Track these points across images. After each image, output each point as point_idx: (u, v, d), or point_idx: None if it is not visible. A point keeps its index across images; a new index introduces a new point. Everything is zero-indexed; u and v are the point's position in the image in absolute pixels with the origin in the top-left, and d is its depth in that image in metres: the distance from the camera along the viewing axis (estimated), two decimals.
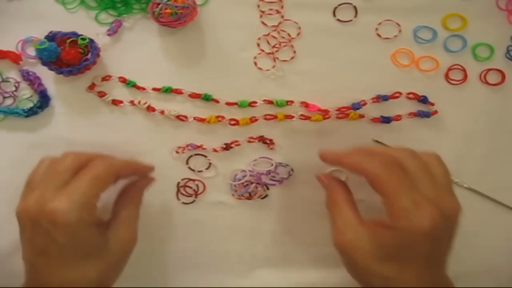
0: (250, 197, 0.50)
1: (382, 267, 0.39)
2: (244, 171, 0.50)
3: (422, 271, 0.39)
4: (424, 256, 0.39)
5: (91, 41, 0.47)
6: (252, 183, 0.50)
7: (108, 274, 0.41)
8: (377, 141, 0.50)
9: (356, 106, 0.50)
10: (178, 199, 0.51)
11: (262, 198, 0.51)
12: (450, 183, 0.42)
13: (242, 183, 0.50)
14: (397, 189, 0.39)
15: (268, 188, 0.50)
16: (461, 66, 0.51)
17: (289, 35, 0.50)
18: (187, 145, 0.49)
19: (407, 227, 0.38)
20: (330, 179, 0.45)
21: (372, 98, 0.50)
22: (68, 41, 0.46)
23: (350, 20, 0.50)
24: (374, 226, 0.39)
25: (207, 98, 0.49)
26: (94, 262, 0.39)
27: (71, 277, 0.39)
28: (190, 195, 0.51)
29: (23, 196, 0.42)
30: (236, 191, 0.50)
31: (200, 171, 0.50)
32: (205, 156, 0.50)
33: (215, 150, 0.50)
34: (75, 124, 0.49)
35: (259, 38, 0.50)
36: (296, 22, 0.50)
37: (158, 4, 0.45)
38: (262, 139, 0.50)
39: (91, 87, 0.49)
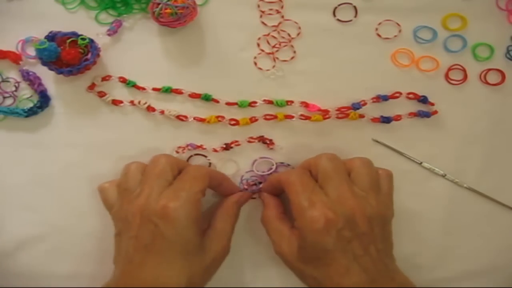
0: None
1: (307, 268, 0.42)
2: (251, 171, 0.50)
3: (344, 268, 0.40)
4: (338, 253, 0.40)
5: (91, 41, 0.47)
6: (260, 182, 0.50)
7: (199, 277, 0.42)
8: (377, 141, 0.50)
9: (356, 106, 0.50)
10: None
11: None
12: (373, 184, 0.44)
13: (249, 183, 0.50)
14: (298, 190, 0.42)
15: None
16: (461, 66, 0.51)
17: (289, 35, 0.50)
18: (187, 145, 0.49)
19: (303, 225, 0.41)
20: (264, 197, 0.48)
21: (372, 98, 0.50)
22: (68, 41, 0.46)
23: (350, 20, 0.50)
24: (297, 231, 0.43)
25: (207, 98, 0.49)
26: (191, 261, 0.41)
27: (165, 275, 0.40)
28: None
29: (125, 199, 0.43)
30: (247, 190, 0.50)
31: None
32: (205, 156, 0.50)
33: (215, 150, 0.50)
34: (75, 124, 0.49)
35: (259, 38, 0.50)
36: (296, 22, 0.50)
37: (158, 4, 0.45)
38: (262, 139, 0.50)
39: (91, 87, 0.49)
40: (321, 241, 0.40)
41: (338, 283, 0.40)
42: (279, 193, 0.48)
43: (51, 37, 0.46)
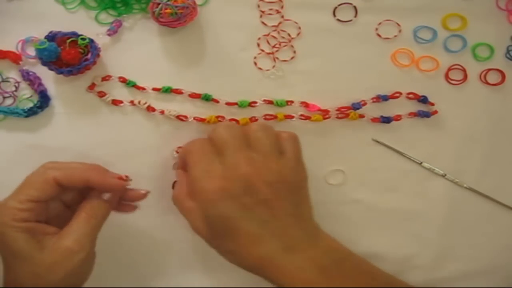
0: None
1: (222, 243, 0.42)
2: None
3: (254, 236, 0.40)
4: (244, 221, 0.40)
5: (91, 41, 0.47)
6: None
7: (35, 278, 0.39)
8: (377, 141, 0.50)
9: (356, 106, 0.50)
10: None
11: None
12: (273, 148, 0.42)
13: None
14: (195, 161, 0.42)
15: None
16: (461, 66, 0.51)
17: (289, 35, 0.50)
18: None
19: (200, 199, 0.41)
20: (177, 174, 0.46)
21: (372, 98, 0.50)
22: (68, 41, 0.46)
23: (350, 20, 0.50)
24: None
25: (207, 98, 0.49)
26: (17, 264, 0.39)
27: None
28: None
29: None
30: None
31: None
32: None
33: None
34: (75, 124, 0.49)
35: (259, 38, 0.50)
36: (296, 22, 0.50)
37: (158, 4, 0.45)
38: None
39: (91, 87, 0.49)
40: (220, 211, 0.40)
41: (251, 253, 0.40)
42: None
43: (51, 37, 0.46)
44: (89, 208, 0.42)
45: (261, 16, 0.50)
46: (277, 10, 0.50)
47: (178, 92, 0.49)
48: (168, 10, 0.45)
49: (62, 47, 0.46)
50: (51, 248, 0.39)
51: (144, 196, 0.45)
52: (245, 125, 0.43)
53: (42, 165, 0.42)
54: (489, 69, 0.51)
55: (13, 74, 0.49)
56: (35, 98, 0.49)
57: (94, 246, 0.42)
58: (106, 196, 0.43)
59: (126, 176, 0.44)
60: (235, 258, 0.42)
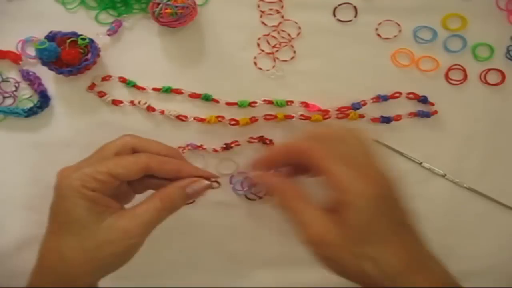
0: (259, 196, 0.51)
1: (364, 249, 0.35)
2: (243, 172, 0.50)
3: (399, 247, 0.35)
4: (391, 225, 0.35)
5: (91, 41, 0.47)
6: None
7: (89, 252, 0.38)
8: (377, 141, 0.50)
9: (356, 106, 0.50)
10: None
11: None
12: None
13: (247, 184, 0.50)
14: (334, 159, 0.36)
15: None
16: (461, 66, 0.51)
17: (289, 35, 0.50)
18: (187, 145, 0.49)
19: (353, 198, 0.34)
20: (274, 178, 0.40)
21: (372, 98, 0.50)
22: (68, 41, 0.46)
23: (350, 20, 0.50)
24: (328, 209, 0.36)
25: (207, 98, 0.49)
26: (79, 235, 0.38)
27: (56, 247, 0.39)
28: None
29: None
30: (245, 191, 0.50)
31: None
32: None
33: (215, 150, 0.50)
34: (75, 124, 0.49)
35: (259, 38, 0.50)
36: (296, 22, 0.50)
37: (158, 4, 0.45)
38: (262, 139, 0.50)
39: (91, 87, 0.49)
40: (378, 212, 0.35)
41: (409, 261, 0.35)
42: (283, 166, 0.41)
43: (51, 37, 0.46)
44: (167, 198, 0.39)
45: (261, 16, 0.50)
46: (277, 10, 0.50)
47: (178, 92, 0.49)
48: (168, 10, 0.45)
49: (62, 47, 0.46)
50: (109, 224, 0.38)
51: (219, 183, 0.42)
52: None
53: (123, 138, 0.41)
54: (489, 69, 0.51)
55: (13, 74, 0.49)
56: (35, 98, 0.49)
57: (150, 232, 0.40)
58: (190, 190, 0.40)
59: (217, 182, 0.41)
60: (377, 268, 0.35)
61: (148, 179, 0.41)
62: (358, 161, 0.36)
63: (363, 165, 0.36)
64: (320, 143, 0.37)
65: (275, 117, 0.49)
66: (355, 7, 0.50)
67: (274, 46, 0.50)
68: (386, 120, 0.50)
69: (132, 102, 0.49)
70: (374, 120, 0.50)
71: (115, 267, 0.39)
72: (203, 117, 0.49)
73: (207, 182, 0.41)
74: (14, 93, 0.49)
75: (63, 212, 0.38)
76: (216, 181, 0.41)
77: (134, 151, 0.41)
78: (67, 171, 0.39)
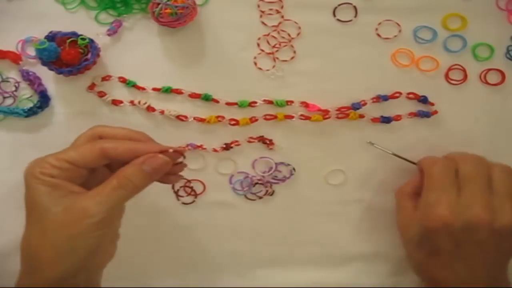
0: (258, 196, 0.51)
1: (417, 252, 0.46)
2: (243, 172, 0.50)
3: (447, 264, 0.43)
4: (448, 251, 0.43)
5: (91, 41, 0.47)
6: (261, 183, 0.50)
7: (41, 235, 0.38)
8: (370, 143, 0.50)
9: (356, 106, 0.50)
10: (178, 199, 0.51)
11: (271, 195, 0.51)
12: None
13: (247, 184, 0.50)
14: (432, 185, 0.44)
15: (271, 186, 0.51)
16: (461, 66, 0.51)
17: (289, 35, 0.50)
18: (187, 145, 0.49)
19: (423, 218, 0.43)
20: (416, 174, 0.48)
21: (372, 98, 0.50)
22: (68, 41, 0.46)
23: (350, 20, 0.50)
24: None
25: (207, 98, 0.49)
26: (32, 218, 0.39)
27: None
28: (190, 195, 0.51)
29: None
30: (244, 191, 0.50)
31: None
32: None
33: (215, 150, 0.50)
34: (75, 124, 0.49)
35: (259, 38, 0.50)
36: (296, 22, 0.50)
37: (158, 4, 0.45)
38: (262, 139, 0.50)
39: (91, 87, 0.49)
40: (433, 238, 0.43)
41: (436, 275, 0.44)
42: None
43: (51, 37, 0.46)
44: (122, 176, 0.39)
45: (261, 16, 0.50)
46: (277, 10, 0.50)
47: (178, 92, 0.49)
48: (168, 10, 0.45)
49: (62, 47, 0.46)
50: (67, 206, 0.37)
51: (182, 154, 0.42)
52: (490, 164, 0.45)
53: (93, 128, 0.42)
54: (489, 69, 0.51)
55: (13, 74, 0.49)
56: (35, 98, 0.49)
57: (116, 222, 0.41)
58: (147, 167, 0.39)
59: (179, 153, 0.41)
60: (420, 269, 0.47)
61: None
62: (450, 195, 0.45)
63: (449, 199, 0.44)
64: (438, 166, 0.46)
65: (275, 117, 0.49)
66: (355, 7, 0.50)
67: (274, 46, 0.50)
68: (386, 120, 0.50)
69: (132, 102, 0.49)
70: (374, 120, 0.50)
71: (82, 253, 0.38)
72: (203, 117, 0.49)
73: (163, 157, 0.39)
74: (14, 93, 0.49)
75: (28, 200, 0.39)
76: (177, 152, 0.40)
77: (102, 139, 0.41)
78: (33, 161, 0.40)
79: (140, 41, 0.49)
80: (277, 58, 0.50)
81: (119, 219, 0.42)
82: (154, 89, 0.49)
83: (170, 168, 0.40)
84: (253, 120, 0.49)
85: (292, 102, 0.50)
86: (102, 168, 0.42)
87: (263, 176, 0.50)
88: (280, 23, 0.50)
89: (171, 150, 0.40)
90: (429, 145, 0.51)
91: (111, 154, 0.39)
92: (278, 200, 0.51)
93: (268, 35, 0.50)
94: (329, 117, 0.50)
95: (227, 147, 0.50)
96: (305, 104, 0.50)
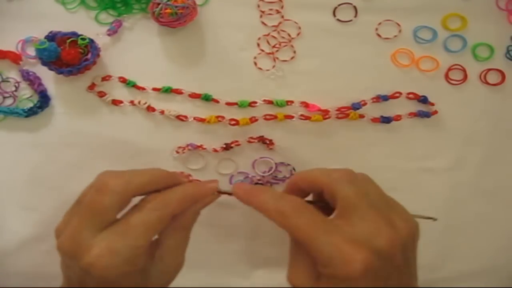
0: None
1: None
2: (243, 172, 0.50)
3: None
4: None
5: (91, 41, 0.47)
6: (261, 183, 0.50)
7: None
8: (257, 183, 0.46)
9: (356, 106, 0.50)
10: None
11: None
12: (388, 200, 0.38)
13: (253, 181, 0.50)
14: (310, 232, 0.34)
15: (271, 186, 0.51)
16: (461, 66, 0.51)
17: (289, 35, 0.50)
18: (187, 145, 0.49)
19: (333, 275, 0.33)
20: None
21: (372, 98, 0.50)
22: (68, 41, 0.46)
23: (350, 20, 0.50)
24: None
25: (207, 98, 0.49)
26: None
27: None
28: None
29: None
30: None
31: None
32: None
33: (215, 150, 0.50)
34: (75, 124, 0.49)
35: (259, 38, 0.50)
36: (296, 22, 0.50)
37: (158, 4, 0.45)
38: (262, 139, 0.50)
39: (91, 87, 0.49)
40: (362, 283, 0.32)
41: None
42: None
43: (51, 37, 0.46)
44: (180, 219, 0.39)
45: (261, 16, 0.50)
46: (277, 10, 0.50)
47: (178, 92, 0.49)
48: (168, 10, 0.45)
49: (62, 47, 0.46)
50: (159, 270, 0.38)
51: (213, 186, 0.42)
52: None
53: (149, 204, 0.37)
54: (489, 69, 0.51)
55: (13, 74, 0.49)
56: (35, 98, 0.49)
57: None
58: (199, 208, 0.40)
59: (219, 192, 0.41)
60: None
61: None
62: (344, 231, 0.34)
63: (347, 236, 0.34)
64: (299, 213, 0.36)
65: (275, 117, 0.49)
66: (355, 7, 0.50)
67: (274, 46, 0.50)
68: (386, 120, 0.50)
69: (132, 102, 0.49)
70: (374, 120, 0.50)
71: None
72: (203, 117, 0.49)
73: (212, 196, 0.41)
74: (14, 93, 0.49)
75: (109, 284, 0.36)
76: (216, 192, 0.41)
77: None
78: (104, 252, 0.35)
79: (140, 41, 0.49)
80: (277, 58, 0.50)
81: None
82: (154, 89, 0.49)
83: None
84: (253, 120, 0.49)
85: (292, 102, 0.50)
86: None
87: (263, 176, 0.50)
88: (280, 23, 0.50)
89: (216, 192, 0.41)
90: (429, 145, 0.51)
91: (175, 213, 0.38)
92: None
93: (268, 35, 0.50)
94: (329, 117, 0.50)
95: (227, 147, 0.50)
96: (305, 104, 0.50)
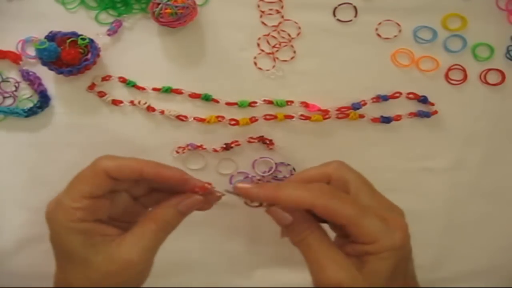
0: None
1: None
2: (243, 172, 0.50)
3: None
4: (408, 273, 0.37)
5: (91, 41, 0.47)
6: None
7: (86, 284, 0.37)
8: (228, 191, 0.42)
9: (356, 106, 0.50)
10: None
11: None
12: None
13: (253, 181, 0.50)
14: (357, 213, 0.35)
15: None
16: (461, 66, 0.51)
17: (289, 35, 0.50)
18: (187, 145, 0.49)
19: (390, 245, 0.35)
20: (294, 212, 0.38)
21: (372, 98, 0.50)
22: (68, 41, 0.46)
23: (350, 20, 0.50)
24: (352, 257, 0.36)
25: (207, 98, 0.49)
26: (70, 269, 0.37)
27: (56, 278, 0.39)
28: None
29: None
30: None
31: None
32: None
33: (215, 150, 0.50)
34: (75, 124, 0.49)
35: (259, 38, 0.50)
36: (296, 22, 0.50)
37: (158, 4, 0.45)
38: (262, 139, 0.50)
39: (91, 87, 0.49)
40: (406, 257, 0.37)
41: None
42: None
43: (51, 37, 0.46)
44: (161, 219, 0.38)
45: (261, 16, 0.50)
46: (277, 10, 0.50)
47: (178, 92, 0.49)
48: (168, 10, 0.45)
49: (62, 47, 0.46)
50: (109, 256, 0.36)
51: (219, 198, 0.41)
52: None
53: (95, 160, 0.38)
54: (489, 69, 0.51)
55: (13, 74, 0.49)
56: (35, 98, 0.49)
57: (154, 256, 0.39)
58: (182, 208, 0.39)
59: (209, 184, 0.40)
60: None
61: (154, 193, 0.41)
62: (367, 201, 0.37)
63: (375, 206, 0.37)
64: (333, 195, 0.36)
65: (275, 117, 0.49)
66: (355, 7, 0.50)
67: (274, 46, 0.50)
68: (386, 120, 0.50)
69: (132, 102, 0.49)
70: (374, 120, 0.50)
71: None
72: (203, 117, 0.49)
73: (198, 197, 0.39)
74: (14, 93, 0.49)
75: (60, 246, 0.37)
76: (204, 188, 0.39)
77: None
78: (52, 207, 0.37)
79: (140, 41, 0.49)
80: (277, 58, 0.50)
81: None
82: (154, 89, 0.49)
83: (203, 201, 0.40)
84: (253, 120, 0.49)
85: (292, 102, 0.50)
86: (121, 196, 0.40)
87: (263, 176, 0.50)
88: (280, 23, 0.50)
89: (199, 192, 0.39)
90: (429, 145, 0.51)
91: (114, 174, 0.37)
92: None
93: (268, 35, 0.50)
94: (329, 117, 0.50)
95: (227, 147, 0.50)
96: (305, 104, 0.50)
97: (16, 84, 0.49)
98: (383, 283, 0.35)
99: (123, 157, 0.39)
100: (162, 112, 0.49)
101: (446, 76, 0.51)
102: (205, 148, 0.50)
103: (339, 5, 0.50)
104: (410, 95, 0.50)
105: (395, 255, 0.35)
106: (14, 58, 0.48)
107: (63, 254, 0.38)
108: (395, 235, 0.35)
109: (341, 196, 0.37)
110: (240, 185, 0.39)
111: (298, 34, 0.50)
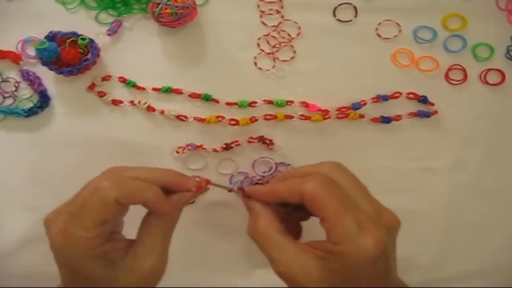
0: None
1: None
2: (243, 172, 0.50)
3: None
4: (378, 276, 0.36)
5: (91, 41, 0.47)
6: (261, 183, 0.50)
7: None
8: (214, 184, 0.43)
9: (356, 106, 0.50)
10: None
11: None
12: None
13: (248, 184, 0.50)
14: (338, 209, 0.35)
15: None
16: (461, 66, 0.51)
17: (289, 35, 0.50)
18: (187, 145, 0.49)
19: (354, 252, 0.34)
20: (254, 205, 0.40)
21: (372, 98, 0.50)
22: (68, 41, 0.46)
23: (350, 20, 0.50)
24: (318, 251, 0.36)
25: (207, 98, 0.49)
26: None
27: None
28: None
29: None
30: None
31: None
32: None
33: (215, 150, 0.50)
34: (75, 124, 0.49)
35: (259, 38, 0.50)
36: (296, 22, 0.50)
37: (158, 4, 0.45)
38: (262, 139, 0.50)
39: (91, 87, 0.49)
40: (373, 265, 0.34)
41: None
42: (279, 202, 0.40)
43: (51, 37, 0.46)
44: (164, 224, 0.39)
45: (261, 16, 0.50)
46: (277, 10, 0.50)
47: (178, 92, 0.49)
48: (168, 10, 0.45)
49: (62, 47, 0.46)
50: (131, 268, 0.37)
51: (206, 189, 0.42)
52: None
53: (98, 182, 0.37)
54: (489, 69, 0.51)
55: (13, 74, 0.49)
56: (35, 98, 0.49)
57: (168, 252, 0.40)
58: (179, 205, 0.40)
59: (207, 181, 0.41)
60: None
61: None
62: (355, 203, 0.36)
63: (361, 210, 0.35)
64: (326, 187, 0.36)
65: (275, 117, 0.49)
66: (355, 7, 0.50)
67: (274, 46, 0.50)
68: (386, 120, 0.50)
69: (132, 102, 0.49)
70: (374, 120, 0.50)
71: None
72: (203, 117, 0.49)
73: (190, 193, 0.40)
74: (14, 93, 0.49)
75: (78, 274, 0.37)
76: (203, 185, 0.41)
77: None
78: (60, 235, 0.36)
79: (140, 41, 0.49)
80: (277, 58, 0.50)
81: None
82: (154, 89, 0.49)
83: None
84: (253, 120, 0.49)
85: (292, 102, 0.50)
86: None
87: (263, 176, 0.50)
88: (280, 23, 0.50)
89: (193, 189, 0.40)
90: (429, 145, 0.51)
91: (124, 202, 0.37)
92: None
93: (268, 35, 0.50)
94: (329, 117, 0.50)
95: (227, 147, 0.50)
96: (305, 104, 0.50)
97: (16, 84, 0.49)
98: (337, 283, 0.35)
99: (127, 177, 0.38)
100: (162, 112, 0.49)
101: (446, 76, 0.51)
102: (205, 148, 0.50)
103: (339, 5, 0.50)
104: (410, 95, 0.50)
105: (355, 262, 0.34)
106: (14, 58, 0.48)
107: (82, 280, 0.37)
108: (364, 244, 0.34)
109: (333, 188, 0.36)
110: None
111: (298, 34, 0.50)
